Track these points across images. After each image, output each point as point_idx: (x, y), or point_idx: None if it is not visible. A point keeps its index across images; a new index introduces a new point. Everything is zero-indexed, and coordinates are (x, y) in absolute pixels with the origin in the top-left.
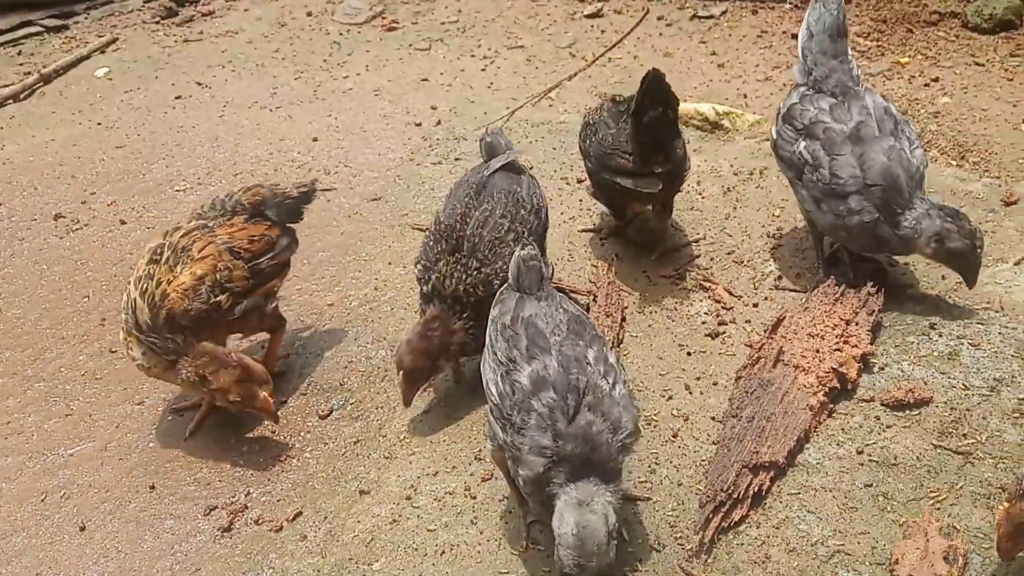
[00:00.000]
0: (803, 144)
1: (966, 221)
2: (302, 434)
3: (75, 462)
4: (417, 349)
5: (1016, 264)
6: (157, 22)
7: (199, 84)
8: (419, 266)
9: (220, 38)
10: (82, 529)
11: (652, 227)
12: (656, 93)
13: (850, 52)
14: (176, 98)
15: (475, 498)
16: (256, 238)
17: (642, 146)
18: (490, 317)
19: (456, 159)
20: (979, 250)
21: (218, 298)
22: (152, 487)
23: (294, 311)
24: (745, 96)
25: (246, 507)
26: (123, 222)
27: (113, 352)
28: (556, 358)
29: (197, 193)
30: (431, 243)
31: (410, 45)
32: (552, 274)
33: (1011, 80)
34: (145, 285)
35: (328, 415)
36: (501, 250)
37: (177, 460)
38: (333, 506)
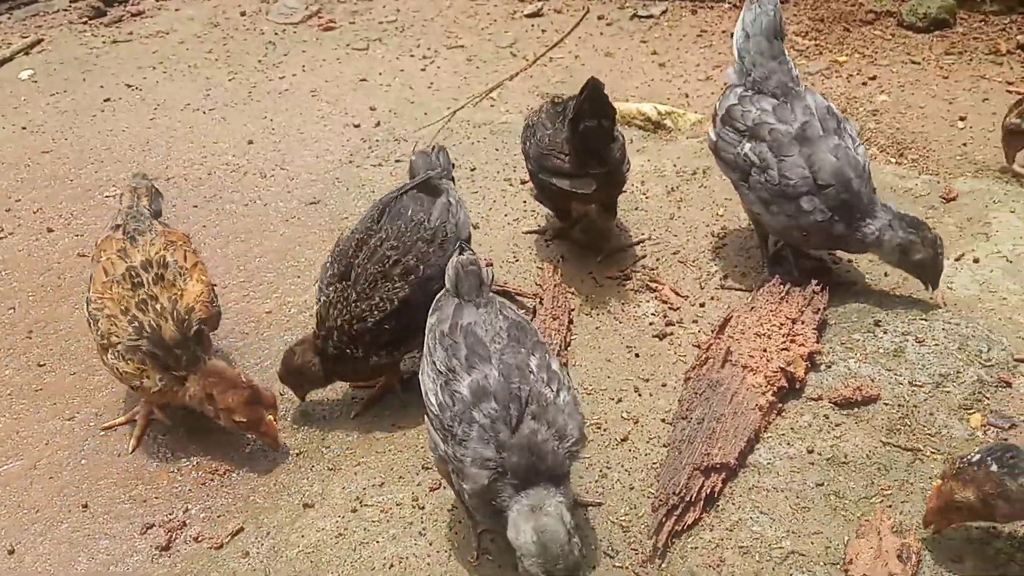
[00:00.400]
0: (748, 146)
1: (927, 230)
2: (241, 448)
3: (3, 481)
4: (284, 363)
5: (957, 260)
6: (84, 22)
7: (129, 86)
8: (317, 285)
9: (150, 39)
10: (11, 552)
11: (597, 228)
12: (594, 103)
13: (787, 52)
14: (105, 101)
15: (423, 508)
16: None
17: (577, 150)
18: (427, 324)
19: (396, 160)
20: (941, 256)
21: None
22: (85, 506)
23: (230, 320)
24: (687, 95)
25: (184, 524)
26: (50, 230)
27: (42, 366)
28: (497, 367)
29: None
30: (328, 263)
31: (348, 45)
32: (492, 279)
33: (947, 78)
34: (158, 306)
35: None
36: (382, 285)
37: (111, 477)
38: (276, 521)
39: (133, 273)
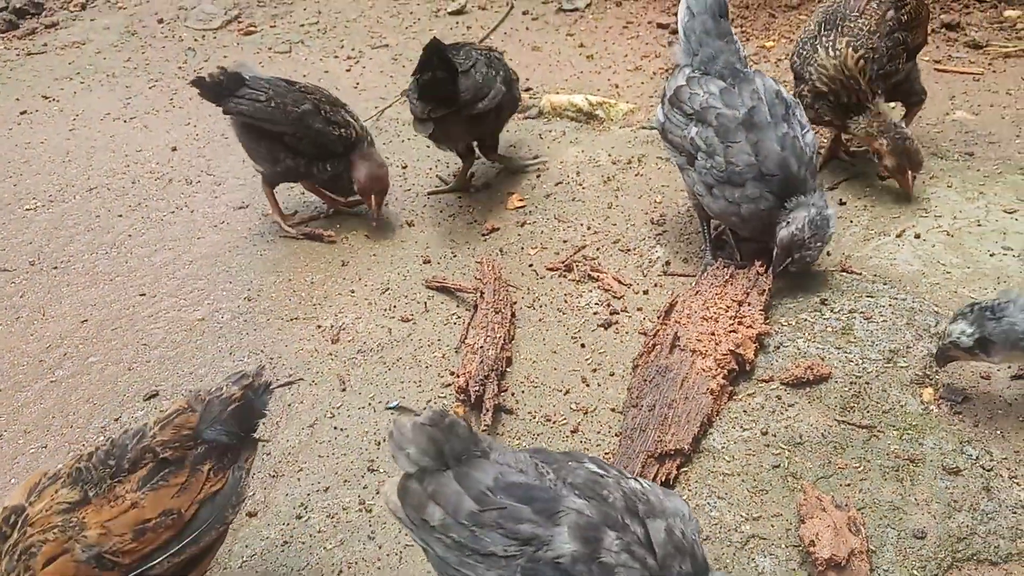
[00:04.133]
0: (695, 130)
1: (822, 237)
2: None
3: None
4: None
5: (899, 236)
6: None
7: (46, 98)
8: None
9: (66, 49)
10: None
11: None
12: (427, 59)
13: (734, 32)
14: (21, 113)
15: (371, 512)
16: (150, 525)
17: (419, 97)
18: (430, 527)
19: None
20: (809, 262)
21: None
22: None
23: (162, 329)
24: (617, 86)
25: None
26: None
27: None
28: (573, 494)
29: (49, 211)
30: None
31: (269, 48)
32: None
33: None
34: None
35: None
36: None
37: None
38: None
39: None
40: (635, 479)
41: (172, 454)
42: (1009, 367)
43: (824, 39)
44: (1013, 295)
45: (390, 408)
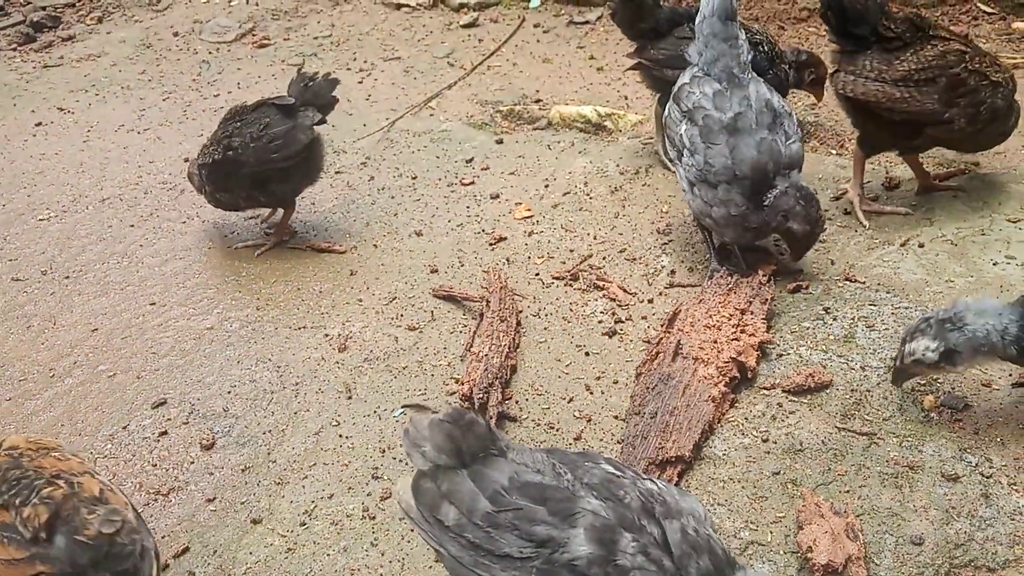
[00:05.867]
0: (684, 127)
1: (815, 207)
2: (185, 466)
3: None
4: None
5: (903, 245)
6: (14, 49)
7: (61, 110)
8: None
9: (82, 62)
10: None
11: None
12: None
13: (742, 36)
14: (37, 125)
15: (374, 519)
16: None
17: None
18: (446, 525)
19: (337, 172)
20: (815, 235)
21: None
22: None
23: (171, 338)
24: (626, 98)
25: None
26: None
27: None
28: (589, 495)
29: (62, 221)
30: None
31: (283, 61)
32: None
33: None
34: None
35: (212, 445)
36: None
37: None
38: (223, 539)
39: None
40: (651, 480)
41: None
42: (1010, 374)
43: None
44: (965, 303)
45: (396, 416)
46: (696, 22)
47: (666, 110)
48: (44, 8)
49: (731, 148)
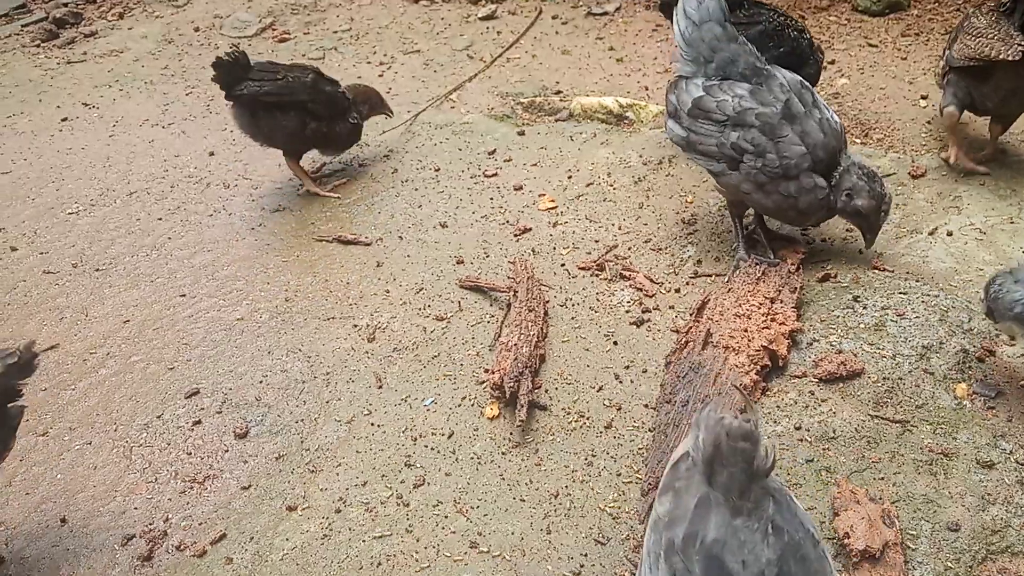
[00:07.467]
0: (735, 134)
1: (879, 183)
2: (219, 454)
3: None
4: None
5: (931, 234)
6: (37, 45)
7: (86, 105)
8: None
9: (105, 58)
10: None
11: None
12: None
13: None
14: (62, 120)
15: (408, 505)
16: None
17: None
18: (652, 513)
19: (360, 165)
20: (884, 212)
21: None
22: (63, 520)
23: (202, 329)
24: (647, 88)
25: (165, 533)
26: (14, 248)
27: None
28: None
29: (91, 215)
30: None
31: (303, 55)
32: (773, 460)
33: (905, 59)
34: None
35: (246, 434)
36: None
37: (87, 491)
38: (259, 525)
39: None
40: None
41: None
42: None
43: None
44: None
45: (426, 404)
46: (681, 33)
47: (676, 131)
48: (66, 4)
49: (800, 135)
